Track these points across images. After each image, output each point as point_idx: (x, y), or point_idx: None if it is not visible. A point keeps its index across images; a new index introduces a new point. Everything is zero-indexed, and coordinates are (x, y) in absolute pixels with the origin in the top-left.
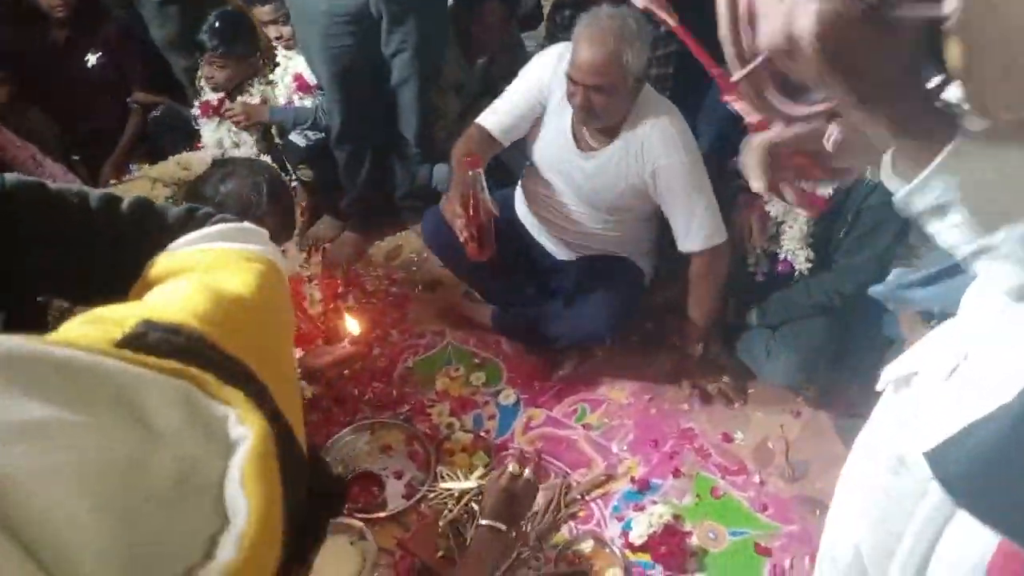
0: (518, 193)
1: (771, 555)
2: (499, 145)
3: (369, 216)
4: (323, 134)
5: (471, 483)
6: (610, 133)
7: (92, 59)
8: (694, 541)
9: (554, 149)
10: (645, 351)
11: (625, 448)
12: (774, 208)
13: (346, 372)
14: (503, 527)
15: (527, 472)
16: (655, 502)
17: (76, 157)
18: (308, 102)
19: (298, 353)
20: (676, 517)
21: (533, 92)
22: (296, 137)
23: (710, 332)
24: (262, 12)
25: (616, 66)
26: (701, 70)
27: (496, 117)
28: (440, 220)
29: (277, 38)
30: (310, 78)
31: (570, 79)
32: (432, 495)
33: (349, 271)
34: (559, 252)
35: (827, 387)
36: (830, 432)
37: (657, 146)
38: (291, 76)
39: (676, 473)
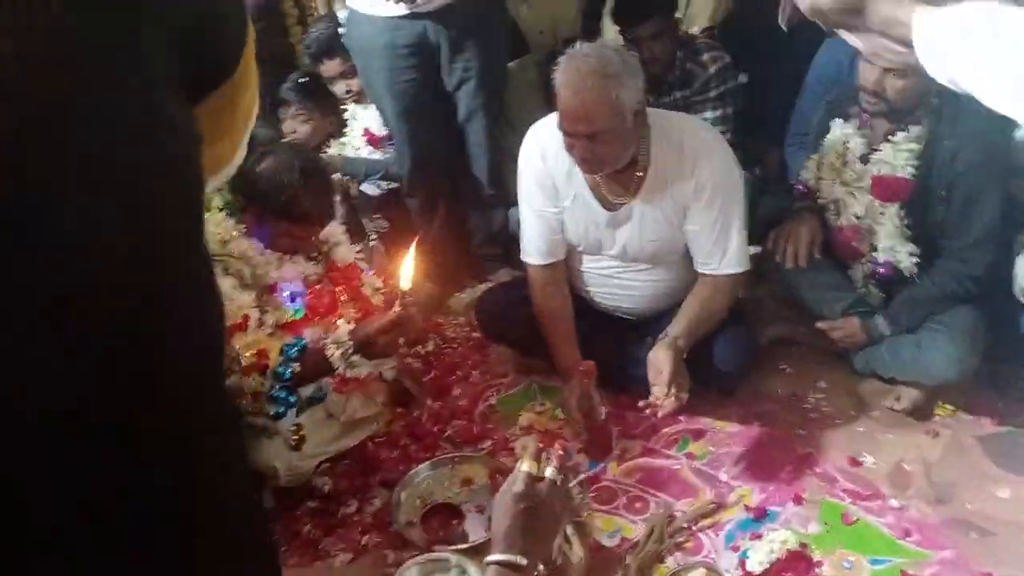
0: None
1: None
2: (562, 267)
3: (446, 267)
4: (395, 183)
5: None
6: (630, 172)
7: None
8: (826, 571)
9: (584, 224)
10: (749, 379)
11: (735, 476)
12: (856, 207)
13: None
14: (522, 560)
15: (550, 471)
16: (775, 530)
17: None
18: (378, 155)
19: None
20: (802, 545)
21: (546, 188)
22: (368, 187)
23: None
24: (330, 67)
25: (607, 108)
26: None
27: (536, 245)
28: (497, 307)
29: (347, 92)
30: (379, 131)
31: (564, 132)
32: None
33: (427, 323)
34: (643, 313)
35: (966, 402)
36: (976, 450)
37: (689, 159)
38: (360, 129)
39: (798, 500)
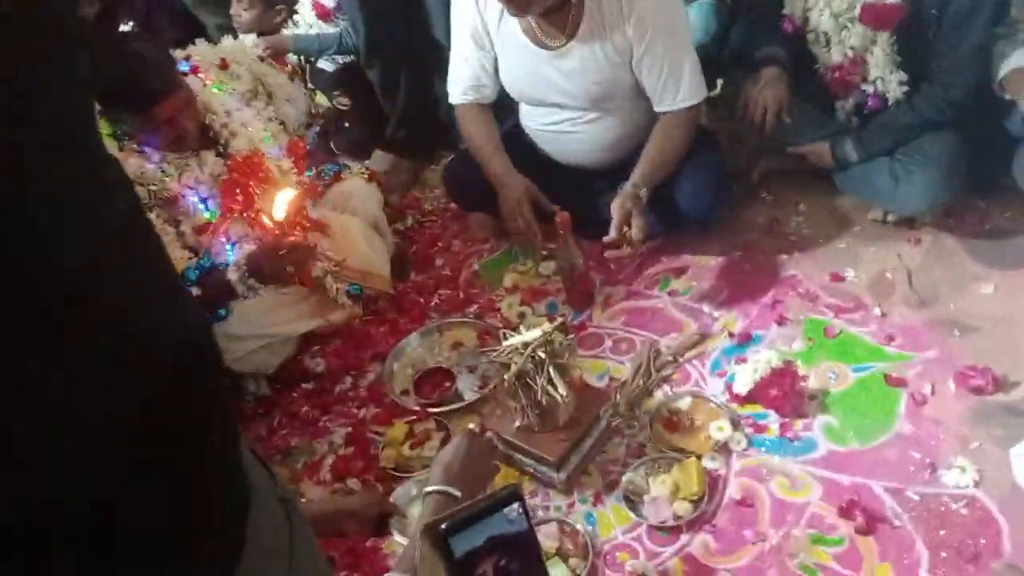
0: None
1: (906, 385)
2: (490, 108)
3: (418, 139)
4: (352, 56)
5: (535, 332)
6: (564, 14)
7: (125, 29)
8: (811, 384)
9: (522, 70)
10: (728, 211)
11: (718, 306)
12: (851, 38)
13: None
14: (457, 492)
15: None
16: (759, 352)
17: None
18: (330, 29)
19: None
20: (786, 363)
21: (474, 28)
22: (324, 64)
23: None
24: None
25: None
26: None
27: (468, 83)
28: (465, 174)
29: None
30: (328, 2)
31: None
32: (495, 355)
33: (405, 197)
34: (598, 164)
35: (949, 207)
36: (960, 253)
37: None
38: (309, 3)
39: (780, 321)
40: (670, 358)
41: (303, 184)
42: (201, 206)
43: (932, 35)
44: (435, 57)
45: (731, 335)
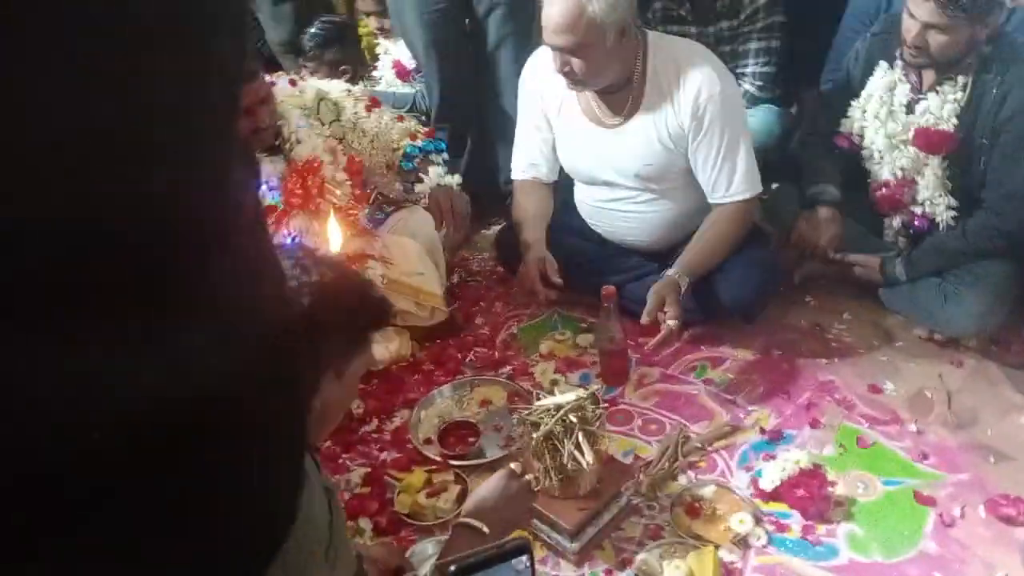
0: (580, 211)
1: (935, 504)
2: (551, 188)
3: (475, 202)
4: (424, 118)
5: (569, 396)
6: (624, 94)
7: None
8: (839, 490)
9: (578, 147)
10: (772, 310)
11: (752, 401)
12: (902, 159)
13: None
14: (485, 529)
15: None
16: (789, 452)
17: None
18: (407, 89)
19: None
20: (816, 466)
21: (536, 111)
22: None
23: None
24: (365, 3)
25: (582, 22)
26: None
27: (527, 161)
28: (513, 240)
29: (379, 29)
30: (408, 64)
31: (549, 47)
32: (527, 413)
33: (455, 256)
34: (647, 245)
35: (995, 334)
36: (1002, 381)
37: (692, 84)
38: (390, 62)
39: (814, 424)
40: (698, 445)
41: (358, 197)
42: (270, 194)
43: (984, 164)
44: (501, 126)
45: (762, 431)
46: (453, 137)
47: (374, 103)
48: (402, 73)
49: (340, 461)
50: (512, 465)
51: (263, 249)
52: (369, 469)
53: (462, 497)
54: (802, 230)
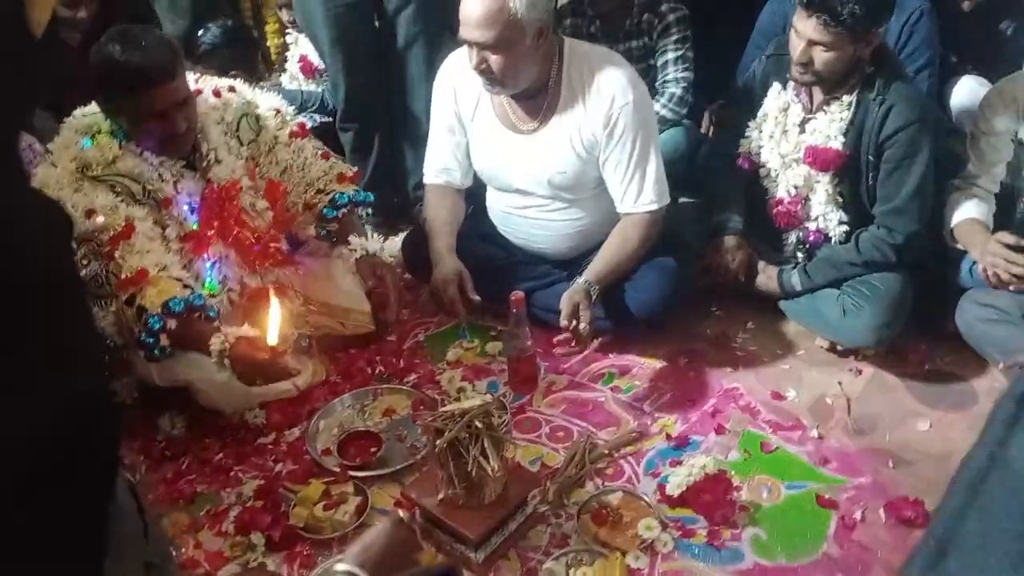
0: (491, 217)
1: (837, 507)
2: (463, 193)
3: (381, 207)
4: (330, 118)
5: (474, 401)
6: (539, 100)
7: None
8: (744, 495)
9: (491, 152)
10: (679, 319)
11: (659, 408)
12: (794, 177)
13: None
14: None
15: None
16: (695, 457)
17: None
18: (315, 88)
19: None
20: (721, 471)
21: (450, 113)
22: (302, 119)
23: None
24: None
25: (502, 18)
26: None
27: (440, 165)
28: (421, 246)
29: (291, 22)
30: (316, 62)
31: (465, 42)
32: (431, 419)
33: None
34: (557, 253)
35: (892, 344)
36: (900, 389)
37: (606, 92)
38: (298, 56)
39: (719, 430)
40: (605, 452)
41: (278, 223)
42: (191, 217)
43: (872, 179)
44: (411, 129)
45: (669, 437)
46: (359, 137)
47: (302, 131)
48: (308, 70)
49: (232, 474)
50: (401, 513)
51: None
52: (262, 481)
53: (362, 509)
54: (712, 258)
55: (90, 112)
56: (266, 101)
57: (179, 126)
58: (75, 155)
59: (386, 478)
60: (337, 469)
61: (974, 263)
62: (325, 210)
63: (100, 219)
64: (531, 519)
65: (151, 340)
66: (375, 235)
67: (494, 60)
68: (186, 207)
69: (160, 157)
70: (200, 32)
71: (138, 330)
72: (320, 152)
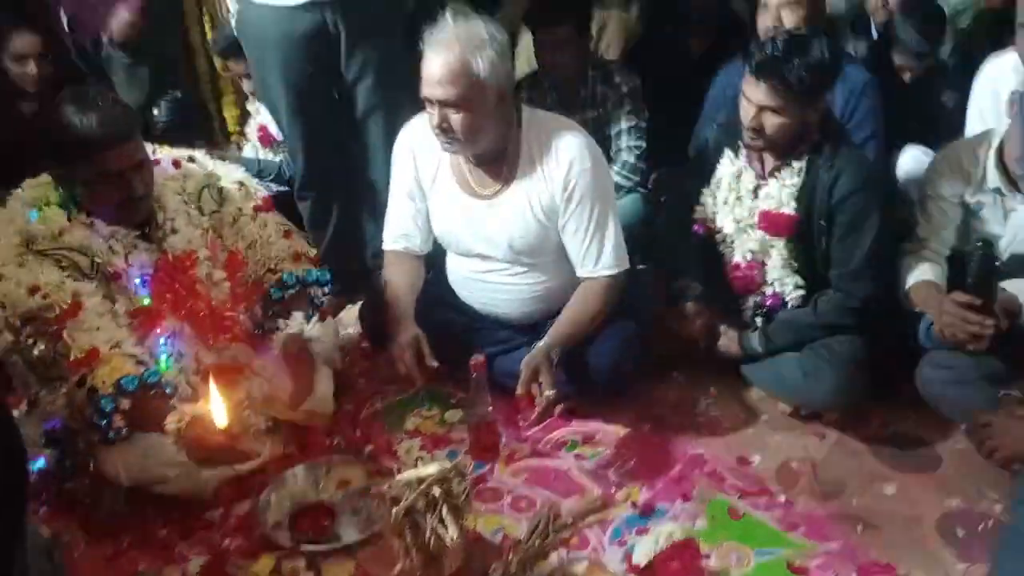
0: (451, 282)
1: (808, 574)
2: (422, 260)
3: (339, 279)
4: (287, 187)
5: (432, 467)
6: (498, 165)
7: None
8: (713, 563)
9: (451, 217)
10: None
11: (624, 475)
12: (750, 242)
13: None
14: None
15: None
16: (662, 525)
17: None
18: (273, 157)
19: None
20: (689, 539)
21: (410, 179)
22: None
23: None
24: (237, 67)
25: (465, 76)
26: None
27: (399, 231)
28: (379, 313)
29: (251, 92)
30: (275, 132)
31: (425, 100)
32: (387, 487)
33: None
34: (518, 318)
35: (855, 407)
36: (864, 453)
37: (564, 158)
38: (257, 126)
39: (685, 497)
40: (570, 521)
41: (237, 297)
42: (143, 291)
43: (825, 244)
44: (369, 197)
45: (634, 505)
46: (316, 207)
47: (267, 205)
48: (267, 140)
49: (177, 550)
50: None
51: None
52: (210, 558)
53: None
54: (674, 327)
55: (38, 183)
56: (229, 173)
57: (136, 189)
58: (20, 228)
59: (340, 553)
60: (288, 543)
61: (930, 325)
62: (272, 290)
63: (44, 297)
64: None
65: (104, 422)
66: (315, 322)
67: (455, 119)
68: (137, 280)
69: (112, 227)
70: (155, 110)
71: (89, 412)
72: (284, 230)
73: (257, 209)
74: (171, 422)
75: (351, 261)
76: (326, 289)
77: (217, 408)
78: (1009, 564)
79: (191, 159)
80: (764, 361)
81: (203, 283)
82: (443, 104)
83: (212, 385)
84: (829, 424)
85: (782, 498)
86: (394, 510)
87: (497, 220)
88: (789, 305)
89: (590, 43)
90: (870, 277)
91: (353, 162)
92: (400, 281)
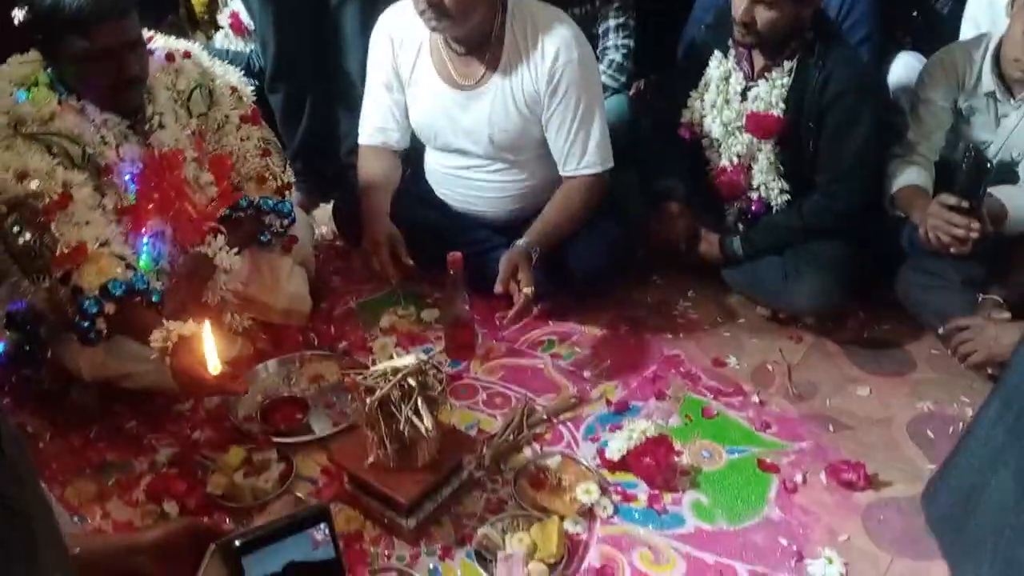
0: (429, 179)
1: (778, 471)
2: (399, 156)
3: (313, 173)
4: (257, 82)
5: (408, 359)
6: (481, 53)
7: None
8: (685, 460)
9: (430, 109)
10: (619, 288)
11: (599, 374)
12: (737, 145)
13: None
14: None
15: None
16: (636, 422)
17: None
18: (243, 46)
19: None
20: (662, 436)
21: (388, 70)
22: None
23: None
24: None
25: None
26: None
27: (376, 125)
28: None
29: None
30: (247, 20)
31: None
32: (362, 377)
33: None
34: (497, 217)
35: (832, 311)
36: (839, 355)
37: (551, 48)
38: (228, 13)
39: (660, 396)
40: (544, 417)
41: (222, 197)
42: (132, 187)
43: (813, 147)
44: (344, 90)
45: (609, 403)
46: (289, 100)
47: (254, 117)
48: (238, 28)
49: (145, 442)
50: None
51: None
52: (178, 449)
53: (286, 476)
54: (653, 226)
55: (26, 60)
56: (225, 75)
57: (131, 67)
58: (8, 108)
59: (313, 445)
60: (260, 435)
61: (913, 230)
62: (226, 211)
63: (34, 184)
64: (466, 484)
65: (86, 324)
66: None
67: None
68: (127, 176)
69: (104, 115)
70: None
71: (72, 311)
72: (264, 147)
73: (243, 119)
74: (157, 339)
75: (325, 157)
76: (285, 221)
77: (209, 356)
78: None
79: (187, 54)
80: (745, 265)
81: (190, 185)
82: None
83: (207, 330)
84: (806, 328)
85: (755, 399)
86: (369, 400)
87: (478, 111)
88: (774, 211)
89: None
90: (857, 181)
91: (326, 53)
92: (375, 176)
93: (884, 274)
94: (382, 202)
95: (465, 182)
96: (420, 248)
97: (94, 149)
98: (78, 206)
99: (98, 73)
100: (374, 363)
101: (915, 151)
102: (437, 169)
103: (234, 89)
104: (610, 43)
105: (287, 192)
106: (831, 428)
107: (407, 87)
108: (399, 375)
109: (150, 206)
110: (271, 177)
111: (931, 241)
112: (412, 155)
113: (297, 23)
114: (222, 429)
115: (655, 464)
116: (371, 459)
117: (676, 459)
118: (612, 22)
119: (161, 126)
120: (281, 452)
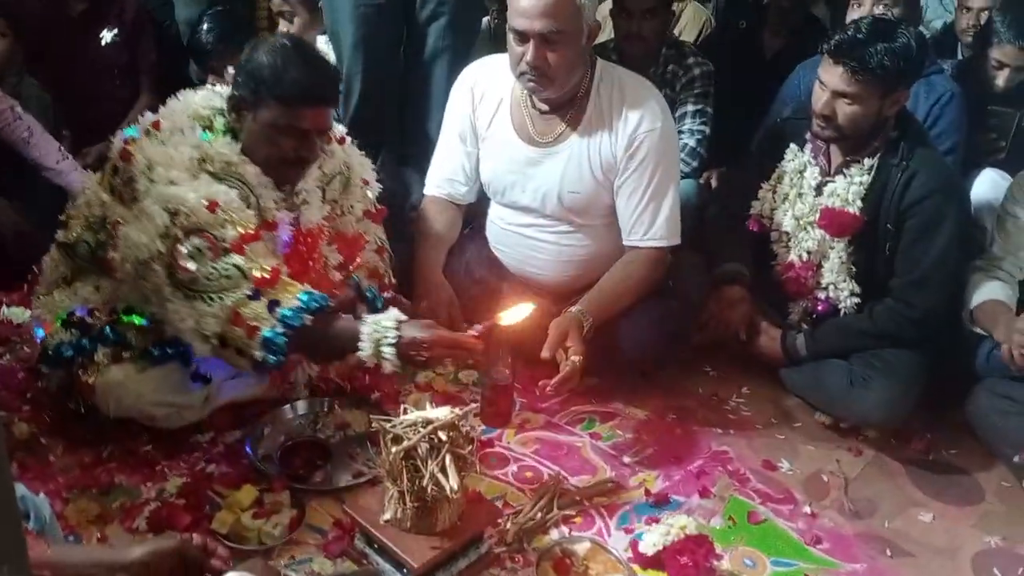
0: (489, 235)
1: None
2: (462, 211)
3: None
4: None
5: (442, 411)
6: (563, 112)
7: (107, 36)
8: (725, 564)
9: (501, 162)
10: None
11: (640, 461)
12: (808, 241)
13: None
14: None
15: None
16: (675, 517)
17: (66, 132)
18: None
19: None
20: (702, 535)
21: (464, 122)
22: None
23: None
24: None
25: (567, 6)
26: None
27: (444, 176)
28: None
29: (279, 13)
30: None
31: (515, 33)
32: (390, 425)
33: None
34: (552, 281)
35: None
36: (902, 475)
37: (634, 113)
38: None
39: (704, 493)
40: (577, 499)
41: (339, 285)
42: (284, 249)
43: (889, 250)
44: (421, 147)
45: (648, 493)
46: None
47: (377, 216)
48: None
49: (158, 468)
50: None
51: None
52: (189, 480)
53: (295, 524)
54: (712, 311)
55: (205, 104)
56: (363, 168)
57: (312, 149)
58: (196, 143)
59: (329, 496)
60: (276, 476)
61: (992, 349)
62: None
63: (228, 215)
64: (484, 559)
65: (281, 338)
66: None
67: (552, 55)
68: (285, 235)
69: (263, 178)
70: (200, 31)
71: (269, 324)
72: (379, 245)
73: (366, 214)
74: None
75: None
76: (368, 306)
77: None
78: None
79: (341, 140)
80: (806, 366)
81: (325, 262)
82: (541, 38)
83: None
84: (867, 441)
85: (807, 509)
86: (395, 449)
87: (551, 169)
88: (842, 313)
89: (672, 19)
90: (935, 288)
91: (408, 107)
92: (435, 228)
93: (954, 394)
94: (437, 257)
95: (527, 241)
96: (467, 306)
97: (264, 204)
98: (263, 242)
99: (281, 145)
100: (405, 412)
101: (999, 266)
102: (499, 225)
103: (367, 182)
104: (686, 127)
105: (387, 293)
106: (888, 552)
107: (482, 141)
108: (430, 427)
109: (292, 272)
110: (384, 274)
111: (1016, 361)
112: (475, 212)
113: (385, 74)
114: (238, 466)
115: (692, 565)
116: (387, 515)
117: (715, 562)
118: (690, 107)
119: (305, 203)
120: (295, 498)
